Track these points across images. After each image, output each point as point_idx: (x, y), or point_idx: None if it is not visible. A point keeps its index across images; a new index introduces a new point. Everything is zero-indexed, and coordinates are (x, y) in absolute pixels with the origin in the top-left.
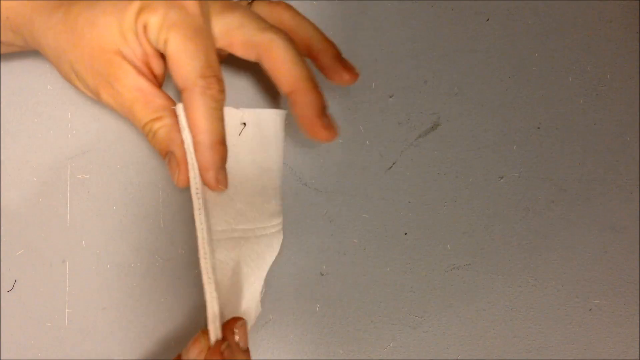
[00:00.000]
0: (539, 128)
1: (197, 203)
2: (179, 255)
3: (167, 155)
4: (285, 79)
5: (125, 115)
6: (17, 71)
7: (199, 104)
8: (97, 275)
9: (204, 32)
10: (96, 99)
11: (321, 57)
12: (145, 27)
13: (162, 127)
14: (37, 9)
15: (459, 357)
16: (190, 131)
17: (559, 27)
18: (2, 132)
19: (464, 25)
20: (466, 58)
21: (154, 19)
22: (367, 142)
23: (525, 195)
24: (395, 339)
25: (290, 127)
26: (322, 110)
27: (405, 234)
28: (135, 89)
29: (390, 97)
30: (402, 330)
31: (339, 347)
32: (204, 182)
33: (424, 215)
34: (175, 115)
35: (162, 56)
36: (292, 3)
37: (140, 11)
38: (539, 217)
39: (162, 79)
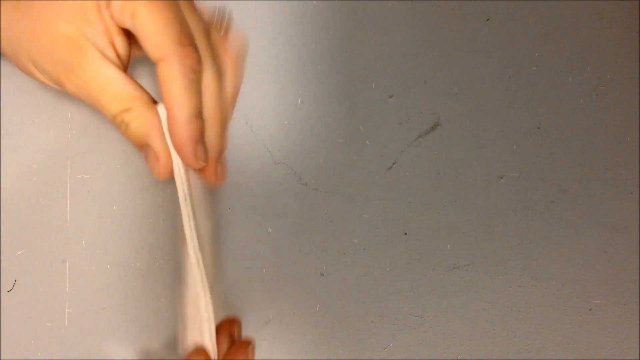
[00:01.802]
0: (539, 128)
1: (185, 210)
2: (178, 255)
3: (144, 148)
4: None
5: (92, 105)
6: (17, 71)
7: (177, 75)
8: (97, 275)
9: (171, 2)
10: (60, 89)
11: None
12: (108, 3)
13: (134, 118)
14: None
15: (459, 357)
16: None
17: (559, 27)
18: (2, 132)
19: (464, 25)
20: (466, 58)
21: None
22: (367, 142)
23: (525, 195)
24: (395, 339)
25: (291, 125)
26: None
27: (405, 234)
28: (101, 77)
29: (390, 97)
30: (402, 330)
31: (339, 347)
32: (182, 159)
33: (424, 215)
34: (147, 104)
35: (126, 35)
36: (293, 3)
37: None
38: (539, 217)
39: (127, 62)
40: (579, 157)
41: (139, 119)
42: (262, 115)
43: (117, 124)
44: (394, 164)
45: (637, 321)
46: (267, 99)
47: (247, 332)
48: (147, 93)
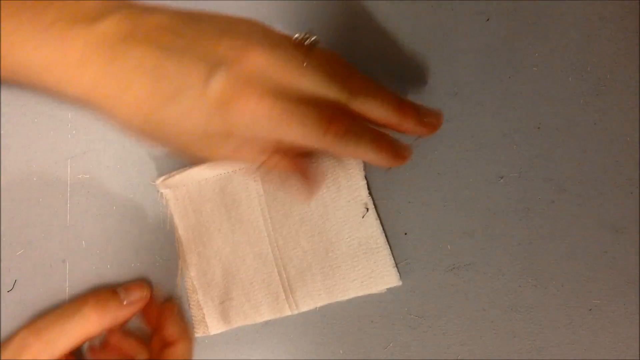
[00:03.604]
0: (539, 128)
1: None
2: (179, 255)
3: (292, 178)
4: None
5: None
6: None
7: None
8: (97, 275)
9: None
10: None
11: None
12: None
13: (277, 163)
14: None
15: (459, 357)
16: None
17: (559, 27)
18: (2, 132)
19: (464, 25)
20: (466, 58)
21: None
22: None
23: (525, 195)
24: (395, 339)
25: None
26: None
27: (405, 234)
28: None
29: None
30: (402, 330)
31: (339, 347)
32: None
33: (424, 215)
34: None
35: None
36: (293, 3)
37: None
38: (539, 217)
39: None
40: (579, 157)
41: (280, 163)
42: None
43: (262, 171)
44: None
45: (637, 321)
46: None
47: (247, 332)
48: None
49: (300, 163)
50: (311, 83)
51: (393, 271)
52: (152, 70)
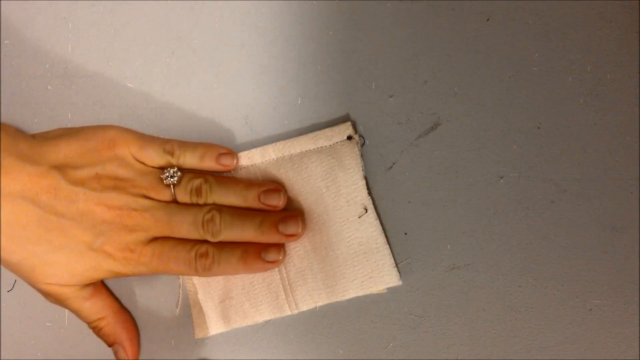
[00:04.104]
0: (539, 128)
1: None
2: None
3: (114, 346)
4: None
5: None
6: (18, 71)
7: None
8: None
9: None
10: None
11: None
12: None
13: (106, 325)
14: None
15: (459, 357)
16: None
17: (559, 27)
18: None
19: (464, 25)
20: (466, 58)
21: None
22: (367, 142)
23: (525, 195)
24: (395, 339)
25: (291, 125)
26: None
27: (405, 234)
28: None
29: (390, 97)
30: (402, 330)
31: (339, 347)
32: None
33: (424, 215)
34: (115, 312)
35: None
36: (293, 3)
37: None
38: (539, 217)
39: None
40: (579, 157)
41: (109, 325)
42: (262, 115)
43: (92, 327)
44: (394, 164)
45: (637, 321)
46: (267, 99)
47: (247, 331)
48: None
49: (128, 328)
50: (179, 231)
51: (393, 271)
52: (37, 224)
